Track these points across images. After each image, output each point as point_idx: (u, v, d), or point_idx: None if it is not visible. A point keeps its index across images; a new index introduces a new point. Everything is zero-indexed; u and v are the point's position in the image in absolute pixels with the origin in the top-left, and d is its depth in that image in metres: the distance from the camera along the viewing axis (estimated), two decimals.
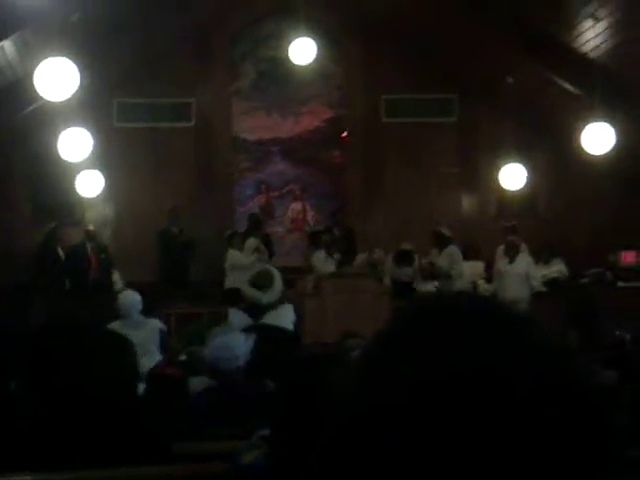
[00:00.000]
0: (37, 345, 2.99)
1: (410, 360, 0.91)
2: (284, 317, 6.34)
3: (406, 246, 15.30)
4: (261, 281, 6.41)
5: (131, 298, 9.53)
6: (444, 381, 0.89)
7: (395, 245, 15.69)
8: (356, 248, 15.77)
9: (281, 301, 6.40)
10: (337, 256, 14.83)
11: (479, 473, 0.87)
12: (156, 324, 9.51)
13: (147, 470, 3.54)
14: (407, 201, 17.24)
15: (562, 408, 0.90)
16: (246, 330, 5.94)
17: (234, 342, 5.60)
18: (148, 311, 9.79)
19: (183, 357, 7.00)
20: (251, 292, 6.33)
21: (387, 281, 15.01)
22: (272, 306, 6.23)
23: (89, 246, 15.23)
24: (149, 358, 8.41)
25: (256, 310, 6.23)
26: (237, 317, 6.34)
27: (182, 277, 15.35)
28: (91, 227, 15.68)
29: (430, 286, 14.85)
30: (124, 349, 2.85)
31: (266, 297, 6.29)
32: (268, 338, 5.89)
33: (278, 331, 6.14)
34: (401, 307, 12.93)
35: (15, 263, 15.70)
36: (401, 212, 17.16)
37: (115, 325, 9.12)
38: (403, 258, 15.25)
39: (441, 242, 15.01)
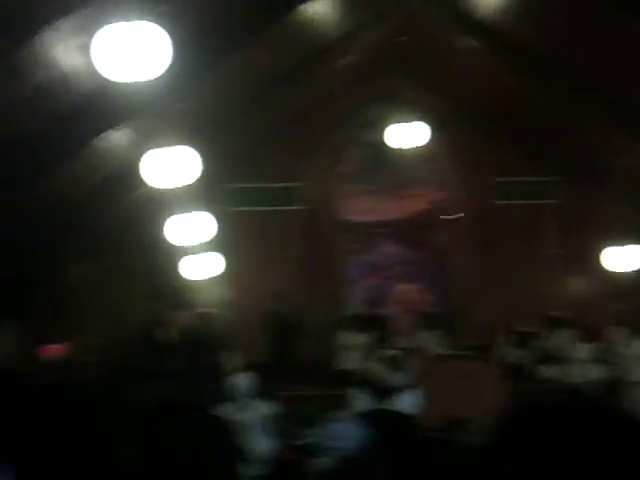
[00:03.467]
0: (153, 425, 3.02)
1: (520, 459, 0.93)
2: (408, 402, 6.28)
3: (520, 328, 15.09)
4: (393, 363, 6.38)
5: (242, 380, 9.60)
6: None
7: (505, 327, 15.52)
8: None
9: (406, 385, 6.35)
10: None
11: None
12: (266, 407, 9.50)
13: None
14: (517, 283, 17.04)
15: None
16: (368, 414, 5.91)
17: (350, 431, 5.59)
18: (260, 393, 9.81)
19: (299, 441, 7.01)
20: (381, 370, 6.28)
21: (500, 362, 14.83)
22: (398, 389, 6.18)
23: (200, 329, 15.39)
24: (259, 440, 8.44)
25: (381, 392, 6.19)
26: (359, 399, 6.31)
27: (291, 359, 15.39)
28: (203, 310, 15.87)
29: (544, 370, 14.59)
30: (227, 433, 2.87)
31: (395, 378, 6.25)
32: (389, 424, 5.86)
33: (400, 417, 6.07)
34: (517, 391, 12.76)
35: (127, 345, 15.96)
36: (511, 294, 16.96)
37: (227, 407, 9.17)
38: (518, 340, 15.04)
39: (554, 325, 14.79)
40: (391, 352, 6.87)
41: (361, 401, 6.45)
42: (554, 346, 14.63)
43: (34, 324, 15.18)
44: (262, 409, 9.41)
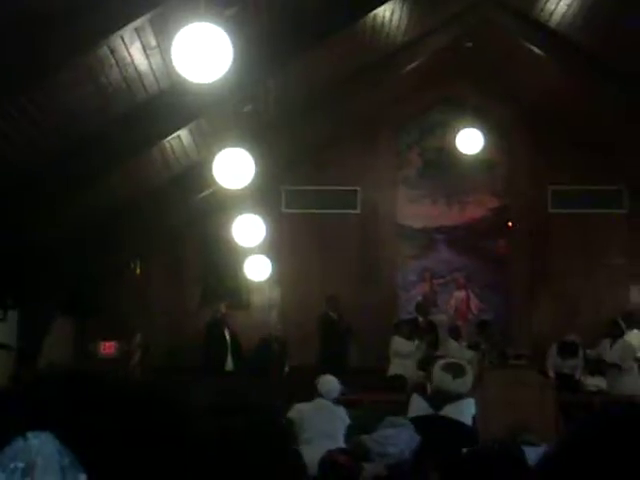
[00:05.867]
0: (205, 426, 3.05)
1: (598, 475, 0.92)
2: (465, 411, 6.26)
3: (571, 337, 14.94)
4: (454, 368, 6.33)
5: (332, 383, 9.65)
6: None
7: (561, 336, 15.40)
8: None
9: (464, 394, 6.32)
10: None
11: None
12: (345, 416, 9.52)
13: None
14: (573, 292, 16.89)
15: None
16: (424, 421, 5.91)
17: (400, 436, 5.60)
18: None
19: (350, 445, 7.02)
20: (442, 375, 6.24)
21: (550, 373, 14.72)
22: (455, 397, 6.15)
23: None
24: (315, 442, 8.48)
25: (439, 398, 6.17)
26: (418, 404, 6.29)
27: (341, 363, 15.40)
28: (279, 326, 16.07)
29: (596, 380, 14.46)
30: (278, 434, 2.89)
31: (454, 384, 6.21)
32: (446, 432, 5.86)
33: (457, 426, 6.06)
34: (567, 402, 12.65)
35: (184, 343, 16.11)
36: (567, 303, 16.83)
37: (309, 405, 9.25)
38: (568, 349, 14.90)
39: (615, 333, 14.64)
40: (450, 360, 6.79)
41: (414, 407, 6.43)
42: (610, 356, 14.47)
43: (93, 321, 15.40)
44: (340, 416, 9.45)
